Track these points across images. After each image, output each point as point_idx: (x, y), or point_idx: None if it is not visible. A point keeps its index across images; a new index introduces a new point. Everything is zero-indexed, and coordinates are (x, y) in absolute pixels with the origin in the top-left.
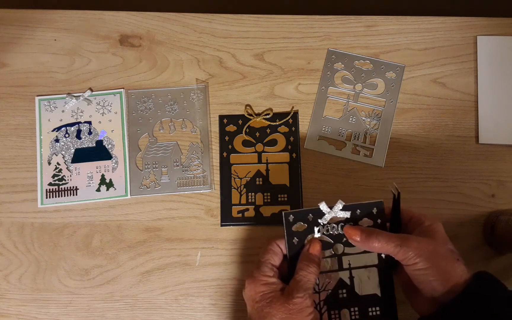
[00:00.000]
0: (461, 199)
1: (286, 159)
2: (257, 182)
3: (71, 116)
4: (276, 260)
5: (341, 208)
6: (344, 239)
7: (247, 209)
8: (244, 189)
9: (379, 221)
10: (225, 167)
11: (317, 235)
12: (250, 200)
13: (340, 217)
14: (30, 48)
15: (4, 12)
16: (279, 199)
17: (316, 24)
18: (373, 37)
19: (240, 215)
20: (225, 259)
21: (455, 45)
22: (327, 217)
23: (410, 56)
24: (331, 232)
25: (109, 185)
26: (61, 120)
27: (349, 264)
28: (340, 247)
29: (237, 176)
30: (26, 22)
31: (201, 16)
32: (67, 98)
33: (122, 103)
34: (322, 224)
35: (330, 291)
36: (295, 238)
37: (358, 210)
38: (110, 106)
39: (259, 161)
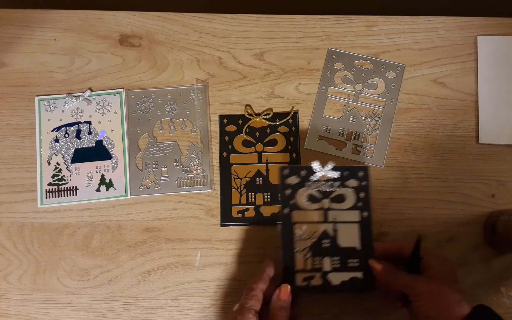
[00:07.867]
0: (461, 199)
1: (286, 159)
2: (257, 182)
3: (71, 116)
4: (259, 306)
5: (331, 168)
6: (331, 195)
7: (247, 209)
8: (244, 189)
9: (363, 183)
10: (225, 167)
11: (306, 188)
12: (250, 200)
13: (329, 176)
14: (30, 48)
15: (4, 12)
16: (279, 199)
17: (316, 24)
18: (373, 37)
19: (240, 215)
20: (225, 259)
21: (455, 45)
22: (318, 174)
23: (410, 56)
24: (320, 189)
25: (109, 185)
26: (60, 120)
27: (334, 219)
28: (327, 203)
29: (237, 176)
30: (26, 22)
31: (201, 16)
32: (67, 98)
33: (122, 103)
34: (313, 180)
35: (315, 240)
36: (288, 189)
37: (346, 172)
38: (110, 106)
39: (259, 161)
